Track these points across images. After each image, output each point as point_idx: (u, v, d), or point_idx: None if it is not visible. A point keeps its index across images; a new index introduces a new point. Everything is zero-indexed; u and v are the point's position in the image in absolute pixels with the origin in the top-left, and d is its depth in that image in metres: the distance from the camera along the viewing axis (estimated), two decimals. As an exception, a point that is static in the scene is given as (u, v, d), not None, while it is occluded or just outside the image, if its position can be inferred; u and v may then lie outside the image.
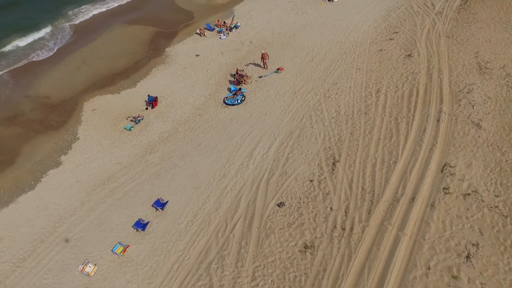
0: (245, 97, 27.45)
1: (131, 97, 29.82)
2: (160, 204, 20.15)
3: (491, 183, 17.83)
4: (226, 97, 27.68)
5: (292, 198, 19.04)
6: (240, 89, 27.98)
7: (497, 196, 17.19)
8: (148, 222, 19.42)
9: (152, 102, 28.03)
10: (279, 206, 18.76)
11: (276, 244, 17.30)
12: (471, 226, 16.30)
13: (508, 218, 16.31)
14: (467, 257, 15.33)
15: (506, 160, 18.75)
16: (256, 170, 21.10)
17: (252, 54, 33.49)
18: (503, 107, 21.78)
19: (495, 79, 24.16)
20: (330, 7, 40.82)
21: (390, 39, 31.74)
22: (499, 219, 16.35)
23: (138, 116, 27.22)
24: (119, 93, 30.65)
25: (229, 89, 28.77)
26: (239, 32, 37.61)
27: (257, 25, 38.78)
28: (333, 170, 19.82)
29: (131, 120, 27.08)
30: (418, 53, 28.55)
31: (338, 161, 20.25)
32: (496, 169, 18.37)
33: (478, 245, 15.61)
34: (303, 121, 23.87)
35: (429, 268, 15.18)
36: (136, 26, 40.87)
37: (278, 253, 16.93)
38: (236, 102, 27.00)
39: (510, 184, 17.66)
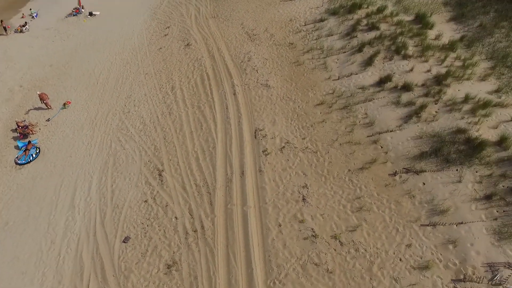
0: (39, 148, 24.08)
1: None
2: (-15, 313, 16.39)
3: (296, 130, 20.11)
4: (17, 157, 23.79)
5: (135, 227, 17.83)
6: (29, 142, 24.38)
7: (304, 138, 19.53)
8: None
9: None
10: (125, 242, 17.37)
11: (140, 280, 16.07)
12: (295, 173, 18.14)
13: (318, 152, 18.76)
14: (303, 199, 17.07)
15: (298, 106, 21.37)
16: (85, 218, 18.98)
17: (28, 99, 29.47)
18: (279, 63, 24.60)
19: (264, 42, 27.02)
20: (94, 21, 38.82)
21: (165, 35, 32.14)
22: (313, 156, 18.65)
23: None
24: None
25: (17, 147, 24.79)
26: (2, 79, 32.54)
27: (21, 65, 34.18)
28: (162, 181, 19.27)
29: None
30: (195, 40, 29.71)
31: (163, 170, 19.77)
32: (294, 117, 20.78)
33: (307, 186, 17.52)
34: (112, 146, 22.39)
35: (280, 225, 16.36)
36: None
37: (145, 288, 15.81)
38: (31, 158, 23.47)
39: (309, 124, 20.25)
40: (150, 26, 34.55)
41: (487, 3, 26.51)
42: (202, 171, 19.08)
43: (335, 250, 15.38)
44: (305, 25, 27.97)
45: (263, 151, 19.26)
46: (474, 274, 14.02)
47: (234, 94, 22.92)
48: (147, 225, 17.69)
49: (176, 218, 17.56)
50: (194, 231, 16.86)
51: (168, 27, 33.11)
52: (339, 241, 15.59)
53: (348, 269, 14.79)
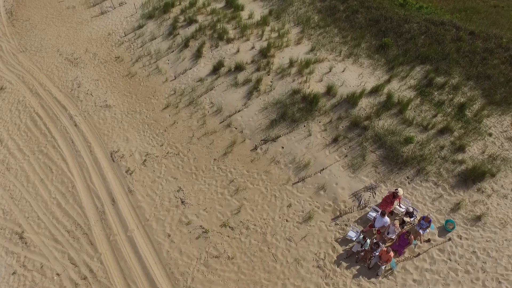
0: None
1: None
2: None
3: (151, 139, 19.88)
4: None
5: (11, 304, 15.57)
6: None
7: (162, 145, 19.48)
8: None
9: None
10: (5, 325, 15.09)
11: None
12: (166, 180, 18.07)
13: (180, 153, 18.99)
14: (182, 202, 17.19)
15: (146, 116, 21.12)
16: None
17: None
18: (112, 80, 23.67)
19: (89, 64, 25.55)
20: None
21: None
22: (177, 159, 18.80)
23: None
24: None
25: None
26: None
27: None
28: (26, 243, 17.00)
29: None
30: (9, 81, 26.36)
31: (23, 232, 17.32)
32: (145, 127, 20.49)
33: (181, 188, 17.65)
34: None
35: (169, 236, 16.23)
36: None
37: None
38: None
39: (162, 129, 20.27)
40: None
41: (280, -23, 29.74)
42: (69, 215, 17.48)
43: (228, 236, 16.02)
44: (125, 35, 27.30)
45: (126, 171, 18.58)
46: (346, 207, 16.30)
47: (76, 125, 21.31)
48: (26, 297, 15.60)
49: (58, 274, 15.84)
50: (84, 279, 15.53)
51: (-31, 76, 28.62)
52: (229, 226, 16.26)
53: (246, 248, 15.62)
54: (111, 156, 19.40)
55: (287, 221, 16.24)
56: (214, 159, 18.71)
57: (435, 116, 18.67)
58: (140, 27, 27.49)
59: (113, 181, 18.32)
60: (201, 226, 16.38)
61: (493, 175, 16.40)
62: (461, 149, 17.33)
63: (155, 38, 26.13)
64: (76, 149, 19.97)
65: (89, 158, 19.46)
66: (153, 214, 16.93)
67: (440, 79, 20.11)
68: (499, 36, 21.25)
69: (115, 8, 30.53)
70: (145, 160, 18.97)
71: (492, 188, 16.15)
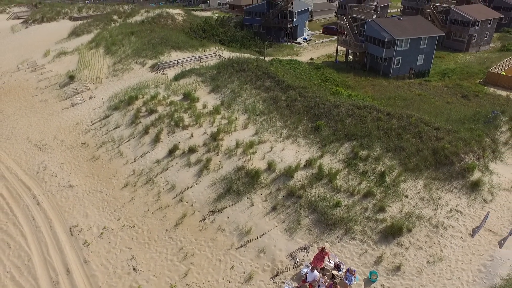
0: None
1: None
2: None
3: (109, 214, 21.62)
4: None
5: None
6: None
7: (119, 219, 21.21)
8: None
9: None
10: None
11: None
12: (120, 250, 19.48)
13: (135, 226, 20.69)
14: (134, 269, 18.47)
15: (106, 194, 23.12)
16: None
17: None
18: (76, 163, 25.88)
19: (56, 149, 27.90)
20: None
21: None
22: (132, 231, 20.45)
23: None
24: None
25: None
26: None
27: None
28: (-22, 315, 17.56)
29: None
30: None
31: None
32: (105, 204, 22.34)
33: (134, 257, 19.05)
34: None
35: (119, 301, 17.26)
36: None
37: None
38: None
39: (120, 205, 22.11)
40: None
41: (231, 75, 34.51)
42: (22, 287, 18.30)
43: (175, 298, 17.23)
44: (92, 124, 30.21)
45: (83, 244, 19.94)
46: (283, 266, 18.05)
47: (38, 203, 22.88)
48: None
49: None
50: None
51: None
52: (176, 289, 17.56)
53: (191, 308, 16.79)
54: (70, 231, 20.82)
55: (229, 282, 17.70)
56: (166, 230, 20.45)
57: (360, 183, 21.55)
58: (106, 117, 30.61)
59: (70, 253, 19.54)
60: (150, 290, 17.57)
61: (409, 230, 18.87)
62: (382, 209, 19.95)
63: (119, 126, 29.11)
64: (36, 225, 21.32)
65: (48, 233, 20.78)
66: (106, 281, 18.04)
67: (364, 152, 23.45)
68: (410, 115, 25.40)
69: (84, 101, 33.92)
70: (102, 233, 20.48)
71: (409, 241, 18.50)
